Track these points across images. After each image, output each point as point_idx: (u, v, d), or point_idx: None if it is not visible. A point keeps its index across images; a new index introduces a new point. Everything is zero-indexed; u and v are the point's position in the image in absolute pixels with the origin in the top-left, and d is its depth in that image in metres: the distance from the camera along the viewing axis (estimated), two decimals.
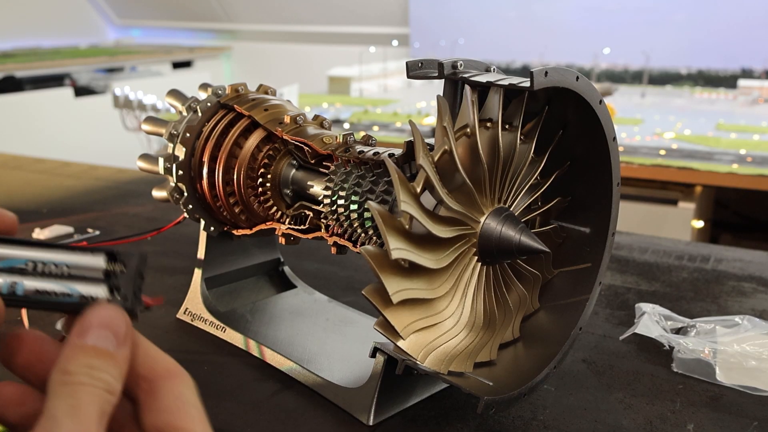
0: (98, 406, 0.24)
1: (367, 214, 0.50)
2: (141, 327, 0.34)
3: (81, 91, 3.19)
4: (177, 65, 3.85)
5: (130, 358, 0.26)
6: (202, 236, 0.64)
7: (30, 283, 0.26)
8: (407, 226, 0.42)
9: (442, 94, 0.45)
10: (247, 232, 0.61)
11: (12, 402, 0.27)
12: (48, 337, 0.27)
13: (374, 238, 0.50)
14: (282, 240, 0.58)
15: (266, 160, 0.58)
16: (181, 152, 0.59)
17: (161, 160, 0.61)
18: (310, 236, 0.56)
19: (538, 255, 0.48)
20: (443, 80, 0.46)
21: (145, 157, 0.64)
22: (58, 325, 0.65)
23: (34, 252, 0.27)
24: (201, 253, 0.64)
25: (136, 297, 0.28)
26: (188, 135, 0.59)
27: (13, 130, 2.84)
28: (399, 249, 0.42)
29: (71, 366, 0.24)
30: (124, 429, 0.27)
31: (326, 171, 0.54)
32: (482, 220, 0.46)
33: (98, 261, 0.27)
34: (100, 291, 0.27)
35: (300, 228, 0.57)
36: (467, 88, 0.44)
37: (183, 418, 0.25)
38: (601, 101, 0.47)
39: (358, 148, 0.52)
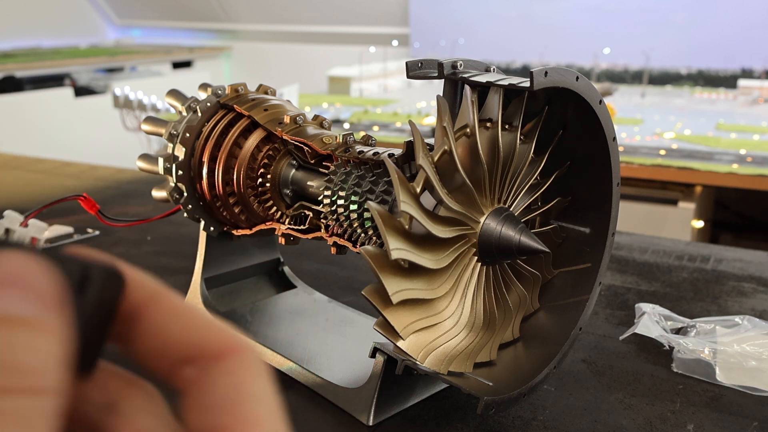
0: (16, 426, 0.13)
1: (366, 214, 0.50)
2: None
3: (81, 91, 3.19)
4: (177, 65, 3.85)
5: (70, 327, 0.15)
6: (202, 236, 0.64)
7: None
8: (407, 227, 0.42)
9: (442, 94, 0.45)
10: (247, 232, 0.61)
11: None
12: None
13: (374, 238, 0.50)
14: (282, 240, 0.58)
15: (266, 160, 0.58)
16: (180, 152, 0.59)
17: (161, 160, 0.61)
18: (309, 236, 0.56)
19: (538, 255, 0.48)
20: (443, 80, 0.46)
21: (144, 157, 0.64)
22: None
23: None
24: (201, 254, 0.64)
25: None
26: (188, 135, 0.59)
27: (13, 130, 2.84)
28: (399, 249, 0.42)
29: None
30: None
31: (326, 171, 0.54)
32: (482, 220, 0.46)
33: None
34: None
35: (300, 228, 0.57)
36: (467, 88, 0.44)
37: (240, 418, 0.17)
38: (601, 101, 0.47)
39: (358, 148, 0.52)
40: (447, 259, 0.45)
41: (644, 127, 2.07)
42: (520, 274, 0.51)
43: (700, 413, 0.51)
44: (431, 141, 0.44)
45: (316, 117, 0.60)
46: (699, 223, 1.74)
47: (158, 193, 0.63)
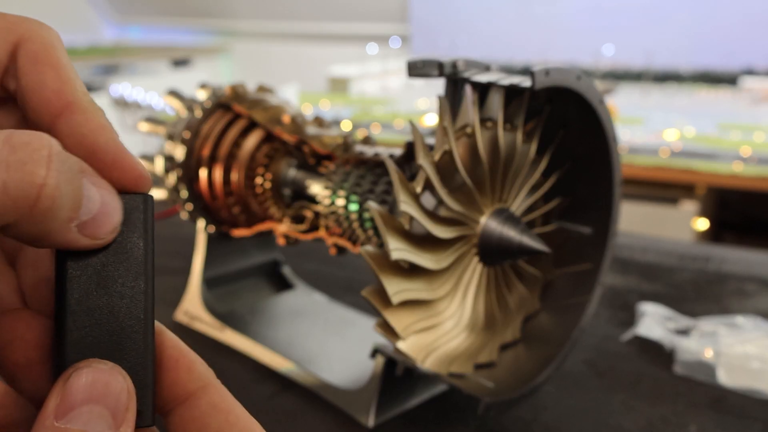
0: None
1: (366, 215, 0.49)
2: None
3: None
4: (176, 64, 3.85)
5: None
6: (202, 236, 0.64)
7: None
8: (407, 227, 0.42)
9: (443, 94, 0.45)
10: (246, 232, 0.61)
11: None
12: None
13: (374, 238, 0.50)
14: (281, 240, 0.58)
15: (265, 160, 0.58)
16: (179, 152, 0.59)
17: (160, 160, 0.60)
18: (309, 236, 0.55)
19: (539, 255, 0.47)
20: (444, 79, 0.46)
21: (143, 157, 0.63)
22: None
23: None
24: (200, 254, 0.64)
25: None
26: (187, 135, 0.59)
27: None
28: (399, 250, 0.41)
29: None
30: None
31: (326, 171, 0.54)
32: (483, 220, 0.45)
33: None
34: None
35: (299, 228, 0.56)
36: (467, 87, 0.44)
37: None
38: (601, 101, 0.46)
39: (358, 148, 0.52)
40: (447, 260, 0.44)
41: (646, 126, 2.07)
42: (522, 274, 0.50)
43: (703, 415, 0.51)
44: (431, 141, 0.44)
45: (315, 117, 0.60)
46: (702, 224, 1.74)
47: (157, 193, 0.62)
